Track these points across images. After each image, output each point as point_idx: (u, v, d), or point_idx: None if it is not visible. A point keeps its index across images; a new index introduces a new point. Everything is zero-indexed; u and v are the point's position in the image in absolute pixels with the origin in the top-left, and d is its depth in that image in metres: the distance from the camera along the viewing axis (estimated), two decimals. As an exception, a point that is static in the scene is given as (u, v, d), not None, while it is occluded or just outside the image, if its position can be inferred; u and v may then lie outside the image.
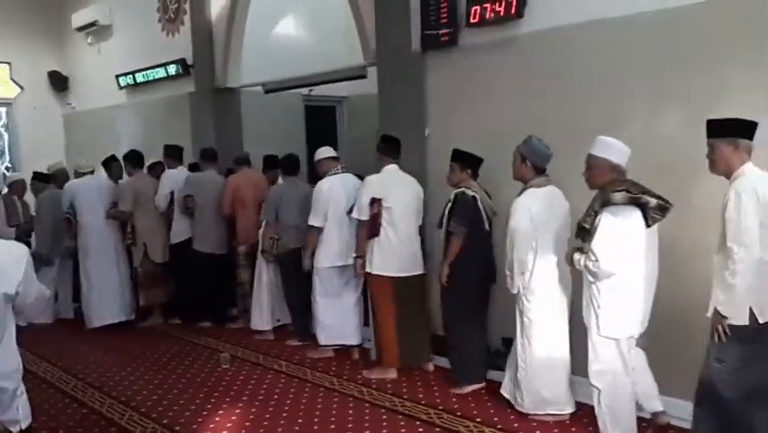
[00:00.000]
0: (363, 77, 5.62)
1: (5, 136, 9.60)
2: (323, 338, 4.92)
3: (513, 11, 4.10)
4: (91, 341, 5.71)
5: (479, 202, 4.01)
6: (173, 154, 6.14)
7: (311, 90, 7.39)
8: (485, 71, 4.43)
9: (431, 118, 4.83)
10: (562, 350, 3.61)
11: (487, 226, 4.09)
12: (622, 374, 3.19)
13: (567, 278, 3.57)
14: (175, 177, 5.95)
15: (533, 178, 3.58)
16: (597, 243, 3.02)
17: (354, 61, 5.73)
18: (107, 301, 5.97)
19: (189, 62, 7.19)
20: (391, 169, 4.49)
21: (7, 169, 9.43)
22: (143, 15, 7.85)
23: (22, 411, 2.20)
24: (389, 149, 4.52)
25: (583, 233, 3.10)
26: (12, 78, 9.46)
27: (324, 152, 4.98)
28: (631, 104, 3.71)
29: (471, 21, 4.32)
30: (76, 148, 9.39)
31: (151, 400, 4.24)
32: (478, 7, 4.26)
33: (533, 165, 3.57)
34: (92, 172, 6.20)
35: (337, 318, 4.88)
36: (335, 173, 4.85)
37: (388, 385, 4.30)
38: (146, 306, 6.11)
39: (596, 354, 3.21)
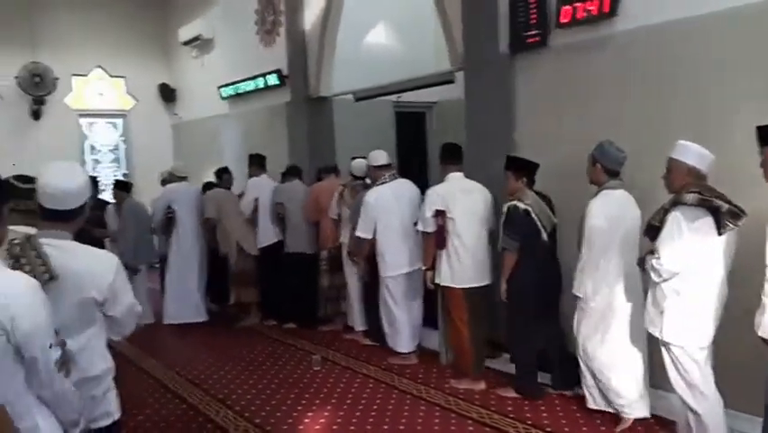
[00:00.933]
0: (451, 82, 5.59)
1: (122, 146, 10.38)
2: (403, 346, 4.98)
3: (606, 9, 3.93)
4: (193, 340, 6.04)
5: (531, 214, 3.94)
6: (257, 163, 6.41)
7: (399, 97, 7.44)
8: (576, 73, 4.28)
9: (519, 122, 4.73)
10: (631, 353, 3.59)
11: (545, 237, 4.00)
12: (700, 384, 3.06)
13: (637, 283, 3.50)
14: (259, 184, 6.25)
15: (606, 181, 3.57)
16: (662, 239, 2.97)
17: (442, 67, 5.71)
18: (187, 301, 6.38)
19: (285, 73, 7.44)
20: (455, 177, 4.47)
21: (124, 176, 10.18)
22: (242, 28, 8.22)
23: (112, 406, 2.32)
24: (451, 156, 4.51)
25: (652, 231, 3.07)
26: (128, 92, 10.23)
27: (377, 158, 5.01)
28: (738, 104, 3.45)
29: (562, 21, 4.18)
30: (183, 156, 9.98)
31: (245, 399, 4.43)
32: (569, 7, 4.12)
33: (604, 168, 3.56)
34: (186, 178, 6.64)
35: (411, 325, 4.97)
36: (384, 182, 4.90)
37: (476, 396, 4.25)
38: (238, 304, 6.45)
39: (670, 363, 3.13)
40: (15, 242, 1.95)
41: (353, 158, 5.75)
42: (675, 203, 2.95)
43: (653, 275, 3.04)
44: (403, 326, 4.96)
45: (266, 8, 7.79)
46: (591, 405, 3.81)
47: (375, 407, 4.15)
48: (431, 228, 4.40)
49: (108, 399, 2.28)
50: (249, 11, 8.05)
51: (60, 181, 2.08)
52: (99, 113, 10.09)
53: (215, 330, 6.25)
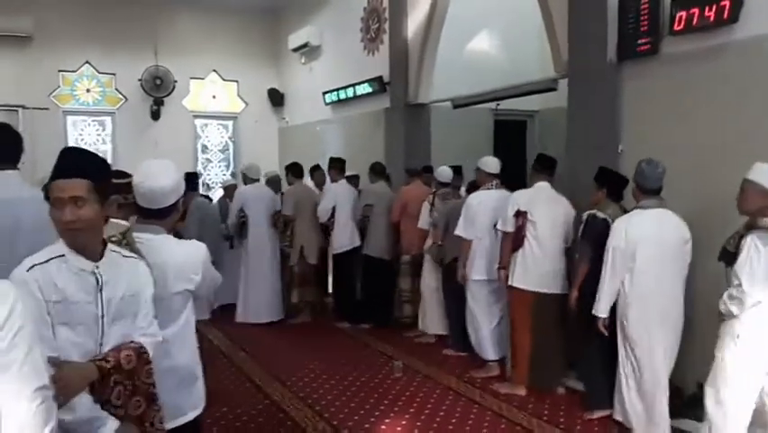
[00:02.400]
0: (553, 89, 5.40)
1: (231, 146, 10.90)
2: (488, 353, 4.93)
3: (726, 15, 3.63)
4: (283, 336, 6.19)
5: (611, 225, 3.79)
6: (337, 167, 6.51)
7: (498, 105, 7.28)
8: (690, 82, 3.98)
9: (625, 133, 4.47)
10: (662, 373, 3.57)
11: None
12: None
13: (674, 305, 3.53)
14: (337, 191, 6.37)
15: (642, 199, 3.57)
16: (740, 267, 2.84)
17: (545, 74, 5.52)
18: (264, 301, 6.52)
19: (386, 80, 7.50)
20: (542, 186, 4.49)
21: (233, 175, 10.68)
22: (348, 36, 8.39)
23: (200, 397, 2.39)
24: (543, 167, 4.55)
25: (727, 256, 2.97)
26: (239, 95, 10.75)
27: (488, 165, 5.02)
28: None
29: (676, 28, 3.91)
30: (288, 158, 10.30)
31: (325, 399, 4.47)
32: (684, 13, 3.85)
33: (639, 187, 3.59)
34: (259, 180, 6.82)
35: (493, 331, 4.93)
36: (489, 189, 4.93)
37: (561, 419, 4.04)
38: (297, 303, 6.60)
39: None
40: (113, 239, 2.05)
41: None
42: (750, 227, 2.84)
43: (733, 308, 2.84)
44: (486, 332, 4.93)
45: (371, 16, 7.91)
46: (618, 417, 3.79)
47: (453, 421, 4.05)
48: (510, 228, 4.45)
49: (198, 388, 2.36)
50: (355, 19, 8.21)
51: (155, 181, 2.18)
52: (212, 114, 10.67)
53: (305, 328, 6.39)
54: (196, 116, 10.51)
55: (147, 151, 9.43)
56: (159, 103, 9.93)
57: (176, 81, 9.95)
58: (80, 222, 1.72)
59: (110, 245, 1.87)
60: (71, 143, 9.63)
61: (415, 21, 7.00)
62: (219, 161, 10.82)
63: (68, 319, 1.74)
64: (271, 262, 6.60)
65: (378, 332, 6.10)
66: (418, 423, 4.02)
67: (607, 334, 3.71)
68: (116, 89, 9.85)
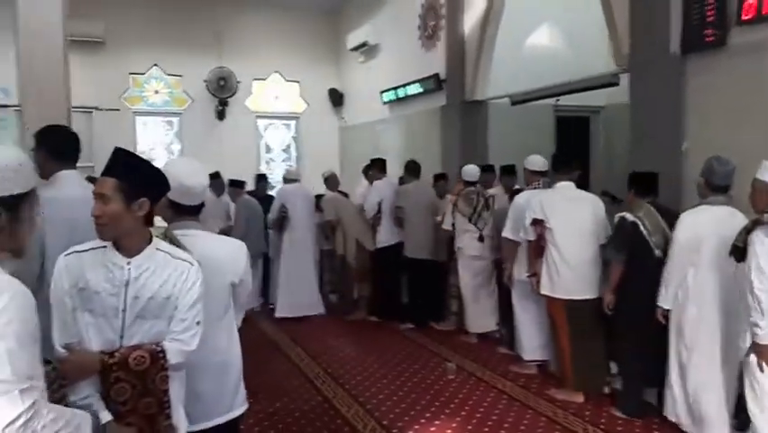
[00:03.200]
0: (615, 84, 5.21)
1: (293, 146, 11.10)
2: (526, 353, 4.90)
3: (801, 2, 3.40)
4: (339, 334, 6.24)
5: (640, 227, 3.80)
6: (378, 166, 6.67)
7: (557, 100, 7.09)
8: (759, 75, 3.74)
9: (690, 129, 4.27)
10: (718, 374, 3.44)
11: (658, 253, 3.79)
12: None
13: (731, 302, 3.30)
14: (382, 187, 6.50)
15: (710, 195, 3.50)
16: (749, 262, 2.79)
17: (606, 69, 5.33)
18: (302, 296, 6.66)
19: (443, 77, 7.44)
20: (562, 186, 4.37)
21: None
22: (405, 34, 8.37)
23: (243, 395, 2.42)
24: (561, 164, 4.44)
25: (737, 252, 2.94)
26: (301, 96, 10.92)
27: (534, 163, 4.91)
28: None
29: (744, 18, 3.71)
30: (347, 157, 10.43)
31: (377, 398, 4.47)
32: (754, 1, 3.62)
33: (706, 183, 3.51)
34: (297, 180, 6.97)
35: (536, 332, 4.84)
36: (536, 188, 4.78)
37: (619, 423, 3.90)
38: (357, 299, 6.75)
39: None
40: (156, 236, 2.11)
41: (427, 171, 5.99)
42: (756, 223, 2.83)
43: (755, 304, 2.74)
44: (526, 332, 4.89)
45: (428, 13, 7.86)
46: (671, 417, 3.69)
47: (506, 426, 3.97)
48: (531, 236, 4.42)
49: (242, 387, 2.40)
50: (412, 16, 8.18)
51: (196, 178, 2.24)
52: (275, 115, 10.88)
53: (361, 326, 6.42)
54: (259, 117, 10.75)
55: (212, 150, 9.73)
56: (223, 103, 10.22)
57: (239, 82, 10.21)
58: (104, 217, 1.79)
59: (160, 246, 1.92)
60: (140, 143, 10.07)
61: (472, 16, 6.92)
62: (282, 161, 11.02)
63: (91, 307, 1.83)
64: (310, 257, 6.78)
65: (432, 332, 6.08)
66: (469, 427, 3.96)
67: (664, 322, 3.64)
68: (183, 91, 10.19)
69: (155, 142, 10.25)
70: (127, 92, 9.89)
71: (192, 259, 1.97)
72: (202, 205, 2.31)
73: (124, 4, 9.41)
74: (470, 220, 5.59)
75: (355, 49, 9.73)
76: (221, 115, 10.28)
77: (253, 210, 6.81)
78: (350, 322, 6.60)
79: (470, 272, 5.68)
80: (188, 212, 2.24)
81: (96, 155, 8.83)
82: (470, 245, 5.64)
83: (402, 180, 6.71)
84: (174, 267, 1.91)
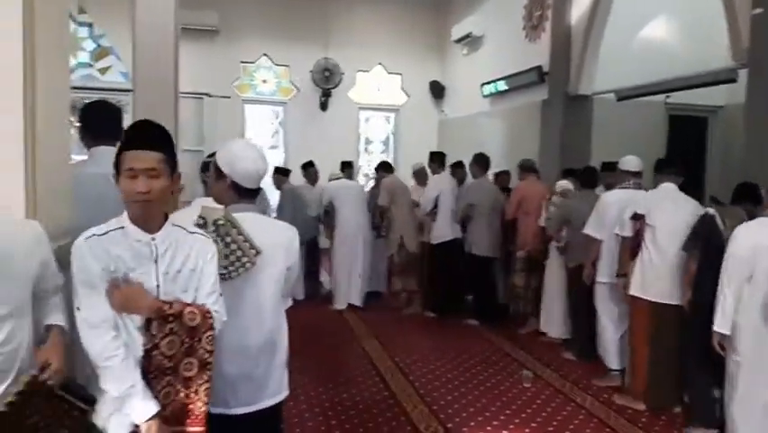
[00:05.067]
0: (732, 81, 4.69)
1: (392, 138, 11.09)
2: (611, 361, 4.65)
3: None
4: (415, 329, 6.12)
5: (717, 219, 3.64)
6: (438, 161, 6.61)
7: (668, 97, 6.52)
8: None
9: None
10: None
11: None
12: None
13: None
14: (440, 181, 6.45)
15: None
16: None
17: (723, 64, 4.81)
18: (354, 286, 6.69)
19: (545, 70, 7.10)
20: (666, 187, 4.17)
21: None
22: (510, 25, 8.08)
23: (286, 382, 2.39)
24: (665, 165, 4.24)
25: None
26: (402, 88, 10.87)
27: (628, 163, 4.67)
28: None
29: None
30: (446, 151, 10.17)
31: (445, 399, 4.32)
32: None
33: None
34: (342, 177, 7.00)
35: (619, 338, 4.61)
36: (626, 188, 4.56)
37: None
38: (398, 291, 6.77)
39: None
40: (220, 222, 2.10)
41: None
42: None
43: None
44: (610, 338, 4.66)
45: (534, 3, 7.53)
46: None
47: (579, 442, 3.70)
48: (627, 232, 4.24)
49: (286, 373, 2.38)
50: (518, 7, 7.88)
51: (260, 162, 2.22)
52: (376, 107, 10.92)
53: (438, 323, 6.27)
54: (360, 108, 10.83)
55: (313, 140, 9.93)
56: (327, 94, 10.39)
57: (343, 74, 10.33)
58: (152, 193, 1.75)
59: (175, 221, 1.89)
60: (248, 131, 10.46)
61: (579, 6, 6.54)
62: (380, 153, 11.05)
63: None
64: (363, 249, 6.77)
65: (509, 334, 5.86)
66: (538, 439, 3.73)
67: (723, 353, 3.30)
68: (290, 81, 10.47)
69: (261, 130, 10.61)
70: (238, 80, 10.30)
71: (206, 233, 1.97)
72: (260, 189, 2.30)
73: (239, -5, 9.80)
74: None
75: (459, 41, 9.54)
76: (324, 106, 10.46)
77: (299, 198, 6.93)
78: (409, 316, 6.53)
79: (558, 275, 5.46)
80: (248, 195, 2.23)
81: (206, 140, 9.30)
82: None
83: (455, 174, 6.68)
84: (193, 240, 1.91)
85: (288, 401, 4.07)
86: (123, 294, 1.74)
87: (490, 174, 6.52)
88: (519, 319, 6.05)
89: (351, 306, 6.71)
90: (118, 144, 1.86)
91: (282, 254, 2.25)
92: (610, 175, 5.30)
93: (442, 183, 6.45)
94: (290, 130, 10.53)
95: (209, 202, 2.27)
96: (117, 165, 1.77)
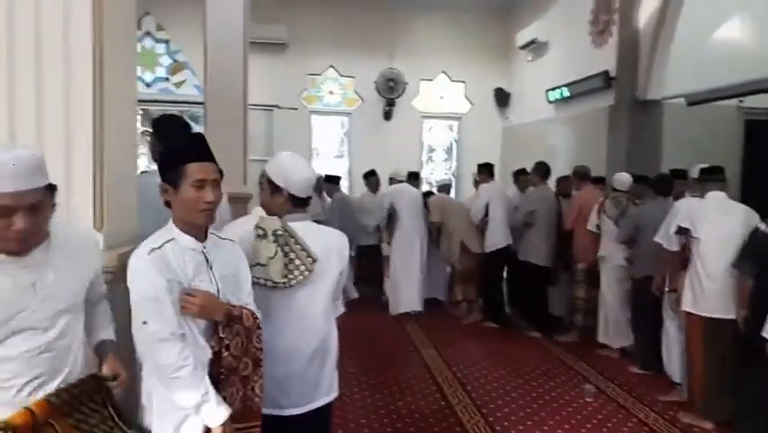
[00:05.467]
0: (811, 83, 4.42)
1: (455, 146, 11.05)
2: (679, 376, 4.50)
3: None
4: (475, 339, 6.05)
5: None
6: (486, 171, 6.61)
7: (741, 101, 6.21)
8: None
9: None
10: None
11: None
12: None
13: None
14: (489, 190, 6.46)
15: None
16: None
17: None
18: (410, 292, 6.68)
19: (612, 75, 6.91)
20: (714, 196, 4.05)
21: (454, 176, 10.87)
22: (576, 30, 7.91)
23: (336, 384, 2.46)
24: (713, 173, 4.14)
25: None
26: (465, 96, 10.83)
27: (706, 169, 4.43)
28: None
29: None
30: (509, 158, 10.13)
31: (502, 411, 4.27)
32: None
33: None
34: (404, 181, 6.97)
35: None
36: (697, 196, 4.34)
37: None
38: (459, 300, 6.72)
39: None
40: (279, 233, 2.20)
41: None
42: None
43: None
44: (677, 351, 4.50)
45: (601, 7, 7.34)
46: None
47: (641, 460, 3.57)
48: (674, 246, 4.18)
49: (336, 374, 2.45)
50: (584, 11, 7.71)
51: (311, 172, 2.32)
52: (439, 115, 10.92)
53: (499, 334, 6.19)
54: (424, 117, 10.86)
55: (376, 149, 10.04)
56: (391, 104, 10.48)
57: (407, 83, 10.40)
58: (216, 202, 1.86)
59: (210, 228, 1.97)
60: (315, 141, 10.68)
61: (647, 9, 6.34)
62: (443, 161, 11.03)
63: None
64: (416, 255, 6.76)
65: (573, 347, 5.71)
66: (597, 455, 3.63)
67: None
68: (355, 91, 10.63)
69: (327, 140, 10.82)
70: (305, 92, 10.54)
71: (231, 238, 2.06)
72: (311, 197, 2.39)
73: (307, 9, 10.03)
74: (615, 222, 5.28)
75: (524, 47, 9.42)
76: (387, 116, 10.55)
77: (348, 206, 7.02)
78: (468, 326, 6.47)
79: (615, 286, 5.36)
80: (302, 204, 2.32)
81: (275, 151, 9.56)
82: (615, 254, 5.31)
83: (517, 181, 6.65)
84: (228, 246, 2.01)
85: (344, 407, 4.20)
86: (201, 301, 1.81)
87: (553, 180, 6.40)
88: (575, 331, 5.91)
89: (408, 313, 6.70)
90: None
91: (336, 260, 2.33)
92: (680, 183, 5.12)
93: (491, 192, 6.46)
94: (355, 140, 10.68)
95: (263, 212, 2.37)
96: (177, 176, 1.82)
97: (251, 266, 2.17)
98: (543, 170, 6.19)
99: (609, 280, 5.39)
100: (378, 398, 4.44)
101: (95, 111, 2.11)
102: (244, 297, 2.00)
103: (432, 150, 11.07)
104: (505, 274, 6.55)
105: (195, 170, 1.82)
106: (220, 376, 1.88)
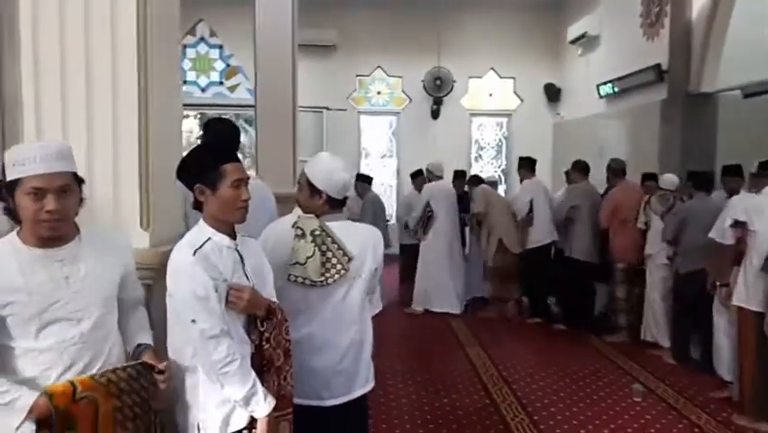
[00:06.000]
0: None
1: (504, 143, 10.96)
2: (729, 374, 4.36)
3: None
4: (521, 337, 6.03)
5: None
6: (527, 167, 6.49)
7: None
8: None
9: None
10: None
11: None
12: None
13: None
14: (532, 186, 6.41)
15: None
16: None
17: None
18: (444, 291, 6.65)
19: (664, 68, 6.73)
20: None
21: (503, 172, 10.79)
22: (627, 23, 7.73)
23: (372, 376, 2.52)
24: (765, 167, 4.19)
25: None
26: (515, 92, 10.73)
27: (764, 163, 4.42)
28: None
29: None
30: (560, 155, 9.98)
31: (548, 410, 4.24)
32: None
33: None
34: (442, 177, 6.92)
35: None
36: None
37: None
38: (495, 298, 6.68)
39: None
40: (317, 233, 2.28)
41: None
42: None
43: None
44: (727, 350, 4.37)
45: (652, -1, 7.16)
46: None
47: (690, 463, 3.50)
48: (728, 240, 4.08)
49: (372, 365, 2.52)
50: (634, 4, 7.53)
51: (347, 175, 2.39)
52: (487, 112, 10.85)
53: (547, 334, 6.13)
54: (472, 114, 10.81)
55: (424, 148, 10.06)
56: (438, 102, 10.48)
57: (455, 81, 10.38)
58: (248, 200, 1.95)
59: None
60: (363, 141, 10.80)
61: (700, -1, 6.14)
62: (492, 158, 10.96)
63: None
64: (453, 254, 6.77)
65: (624, 347, 5.60)
66: (644, 457, 3.58)
67: None
68: (402, 91, 10.68)
69: (375, 140, 10.91)
70: (354, 93, 10.66)
71: (271, 236, 2.15)
72: (347, 197, 2.45)
73: (355, 12, 10.14)
74: (662, 218, 5.19)
75: (574, 41, 9.27)
76: (435, 114, 10.56)
77: (380, 206, 7.07)
78: (518, 324, 6.44)
79: (661, 283, 5.28)
80: (339, 205, 2.39)
81: (325, 151, 9.70)
82: (662, 252, 5.22)
83: (570, 178, 6.48)
84: (251, 242, 2.09)
85: (389, 403, 4.27)
86: (249, 296, 1.90)
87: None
88: (623, 332, 5.79)
89: (447, 313, 6.71)
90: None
91: (371, 256, 2.39)
92: (732, 180, 4.94)
93: (534, 187, 6.41)
94: (403, 139, 10.73)
95: (300, 211, 2.45)
96: (216, 177, 1.89)
97: (290, 265, 2.25)
98: (581, 166, 6.14)
99: (655, 279, 5.30)
100: (422, 395, 4.49)
101: (140, 112, 2.20)
102: (269, 290, 2.07)
103: (481, 147, 11.00)
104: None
105: (232, 170, 1.91)
106: (262, 368, 1.96)
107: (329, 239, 2.29)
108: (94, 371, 1.70)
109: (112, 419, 1.64)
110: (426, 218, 6.77)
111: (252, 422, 1.89)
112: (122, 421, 1.67)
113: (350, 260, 2.29)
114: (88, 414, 1.59)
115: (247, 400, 1.84)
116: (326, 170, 2.34)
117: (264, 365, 1.97)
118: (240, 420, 1.89)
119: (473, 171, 10.69)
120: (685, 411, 4.20)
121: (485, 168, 10.80)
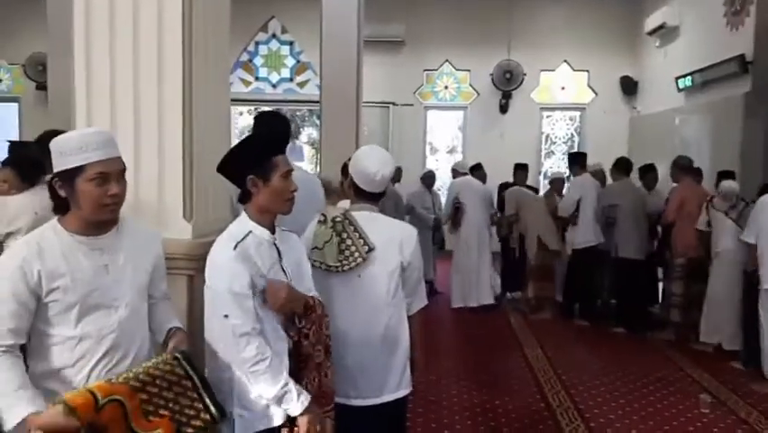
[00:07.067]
0: None
1: (576, 138, 10.60)
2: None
3: None
4: (583, 340, 5.81)
5: None
6: (579, 162, 6.37)
7: None
8: None
9: None
10: None
11: None
12: None
13: None
14: (582, 184, 6.23)
15: None
16: None
17: None
18: (475, 286, 6.57)
19: (749, 59, 6.30)
20: None
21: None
22: (709, 12, 7.31)
23: (408, 378, 2.45)
24: None
25: None
26: (588, 85, 10.35)
27: None
28: None
29: None
30: (637, 150, 9.54)
31: (606, 417, 4.08)
32: None
33: None
34: (466, 174, 6.87)
35: None
36: None
37: None
38: (534, 297, 6.53)
39: None
40: (338, 219, 2.30)
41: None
42: None
43: None
44: None
45: (737, -14, 6.72)
46: None
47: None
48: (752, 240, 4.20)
49: (408, 370, 2.44)
50: (720, -8, 7.09)
51: (388, 170, 2.36)
52: (559, 106, 10.53)
53: (611, 336, 5.89)
54: (542, 108, 10.52)
55: (492, 143, 9.89)
56: (507, 96, 10.27)
57: (525, 74, 10.12)
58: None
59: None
60: (429, 136, 10.73)
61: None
62: (562, 153, 10.64)
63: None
64: (483, 248, 6.67)
65: (685, 351, 5.40)
66: (707, 472, 3.38)
67: None
68: (470, 85, 10.53)
69: (442, 135, 10.82)
70: (420, 88, 10.61)
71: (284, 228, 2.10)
72: (382, 193, 2.42)
73: (424, 6, 10.08)
74: (726, 214, 5.01)
75: (652, 32, 8.83)
76: (503, 109, 10.35)
77: (399, 201, 7.02)
78: (578, 327, 6.21)
79: (725, 280, 5.10)
80: (366, 196, 2.37)
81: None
82: (732, 251, 4.97)
83: (647, 179, 6.29)
84: (291, 237, 2.09)
85: (440, 402, 4.23)
86: (287, 294, 1.88)
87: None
88: (672, 329, 5.69)
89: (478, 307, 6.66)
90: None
91: (395, 251, 2.32)
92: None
93: (585, 186, 6.19)
94: (470, 133, 10.58)
95: (347, 203, 2.46)
96: (269, 168, 1.90)
97: (311, 249, 2.27)
98: (622, 165, 6.08)
99: (723, 277, 5.11)
100: (475, 395, 4.42)
101: (183, 106, 2.26)
102: (306, 284, 2.06)
103: (552, 142, 10.70)
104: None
105: (282, 161, 1.94)
106: (300, 365, 1.96)
107: (351, 227, 2.29)
108: (128, 360, 1.75)
109: (142, 412, 1.63)
110: (455, 211, 6.71)
111: (294, 419, 1.87)
112: (154, 411, 1.66)
113: (369, 250, 2.26)
114: (116, 417, 1.56)
115: (279, 400, 1.83)
116: (357, 157, 2.38)
117: (301, 361, 1.96)
118: (277, 417, 1.88)
119: (544, 167, 10.49)
120: (758, 426, 3.93)
121: (555, 164, 10.50)
